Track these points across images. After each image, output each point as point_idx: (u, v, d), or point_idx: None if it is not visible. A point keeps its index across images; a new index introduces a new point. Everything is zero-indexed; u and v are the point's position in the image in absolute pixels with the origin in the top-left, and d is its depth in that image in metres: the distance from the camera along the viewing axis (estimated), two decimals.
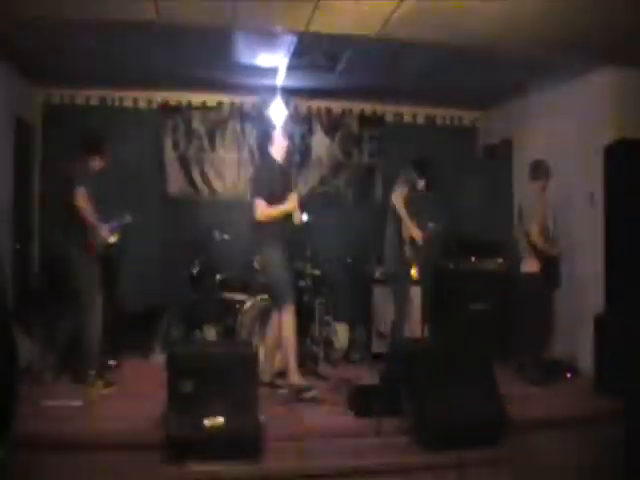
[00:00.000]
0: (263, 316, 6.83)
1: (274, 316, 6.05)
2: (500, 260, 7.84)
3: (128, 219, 6.49)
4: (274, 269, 5.94)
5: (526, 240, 6.62)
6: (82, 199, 5.84)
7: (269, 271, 6.02)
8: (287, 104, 8.53)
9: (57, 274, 6.31)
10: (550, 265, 6.56)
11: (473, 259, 7.95)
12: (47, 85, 8.35)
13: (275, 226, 5.93)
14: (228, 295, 7.30)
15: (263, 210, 5.86)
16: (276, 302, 6.00)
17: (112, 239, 6.28)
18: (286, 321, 5.83)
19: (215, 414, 4.21)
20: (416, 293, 7.58)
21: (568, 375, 6.64)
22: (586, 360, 6.46)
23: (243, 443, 4.22)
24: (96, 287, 6.08)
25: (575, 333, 6.96)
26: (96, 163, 6.17)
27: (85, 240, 5.95)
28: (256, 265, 6.84)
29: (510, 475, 4.38)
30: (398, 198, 6.68)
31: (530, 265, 6.59)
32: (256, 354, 4.69)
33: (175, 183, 8.78)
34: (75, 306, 6.06)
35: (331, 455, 4.51)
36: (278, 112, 8.36)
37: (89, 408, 5.13)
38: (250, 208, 5.96)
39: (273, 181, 5.99)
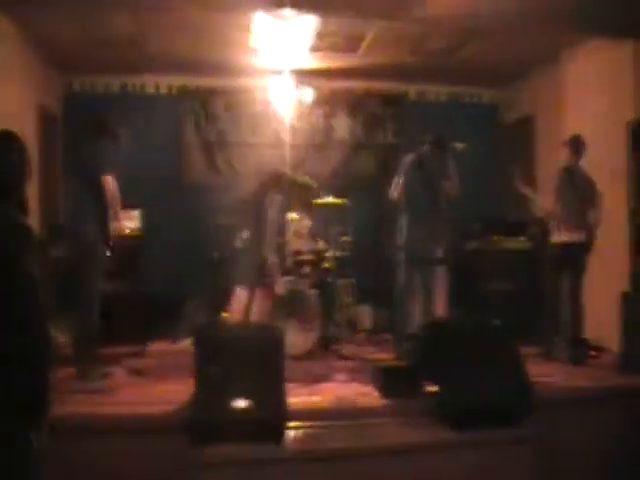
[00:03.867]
0: (288, 298, 6.87)
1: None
2: (524, 239, 7.80)
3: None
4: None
5: (579, 211, 6.46)
6: (113, 187, 5.64)
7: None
8: (309, 86, 8.54)
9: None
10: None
11: (496, 238, 7.92)
12: (68, 73, 8.43)
13: None
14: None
15: None
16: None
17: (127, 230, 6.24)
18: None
19: (242, 397, 4.24)
20: (441, 273, 7.57)
21: (593, 354, 6.61)
22: (612, 339, 6.42)
23: (269, 425, 4.25)
24: (97, 279, 5.75)
25: (601, 311, 6.90)
26: (114, 152, 5.90)
27: (104, 230, 5.69)
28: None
29: (533, 455, 4.38)
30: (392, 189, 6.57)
31: (573, 235, 6.45)
32: (282, 336, 4.70)
33: (197, 168, 8.82)
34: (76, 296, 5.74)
35: (356, 435, 4.53)
36: (299, 94, 8.38)
37: (116, 392, 5.19)
38: None
39: None
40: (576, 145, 6.56)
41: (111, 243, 5.74)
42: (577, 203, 6.45)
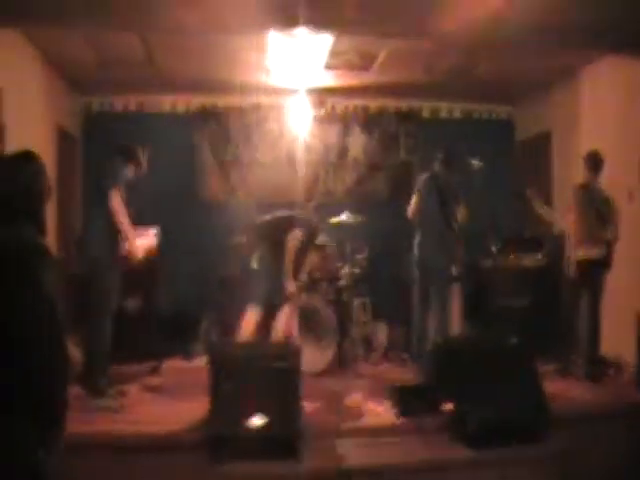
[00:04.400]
0: (304, 315, 6.87)
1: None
2: (540, 256, 7.76)
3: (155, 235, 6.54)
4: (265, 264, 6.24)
5: (596, 227, 6.44)
6: (117, 201, 5.53)
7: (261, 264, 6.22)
8: (323, 104, 8.57)
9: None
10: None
11: (512, 255, 7.89)
12: (86, 93, 8.52)
13: None
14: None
15: None
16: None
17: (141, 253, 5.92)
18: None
19: (258, 414, 4.24)
20: (455, 291, 7.57)
21: (611, 372, 6.55)
22: (629, 357, 6.36)
23: (285, 443, 4.25)
24: (108, 298, 5.69)
25: (618, 330, 6.85)
26: (130, 170, 5.95)
27: (112, 245, 5.67)
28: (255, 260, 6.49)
29: (553, 473, 4.34)
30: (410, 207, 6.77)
31: (592, 252, 6.44)
32: (299, 353, 4.70)
33: (212, 186, 8.86)
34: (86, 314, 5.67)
35: (374, 454, 4.52)
36: (314, 112, 8.42)
37: (130, 409, 5.20)
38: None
39: None
40: (594, 161, 6.55)
41: (123, 259, 5.72)
42: (594, 219, 6.43)
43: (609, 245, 6.45)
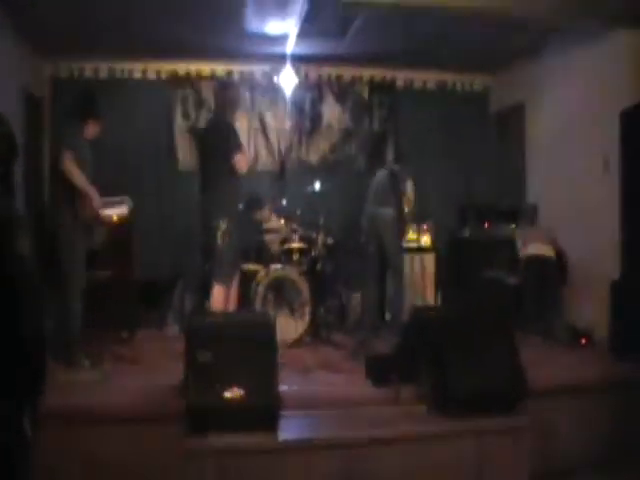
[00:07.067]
0: (277, 285, 6.84)
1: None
2: (514, 226, 7.79)
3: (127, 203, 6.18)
4: (230, 239, 5.97)
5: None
6: (69, 163, 5.37)
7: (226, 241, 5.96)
8: (297, 71, 8.47)
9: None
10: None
11: (486, 225, 7.90)
12: (55, 58, 8.31)
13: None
14: (241, 265, 7.20)
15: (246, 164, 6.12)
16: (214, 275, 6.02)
17: (108, 213, 5.81)
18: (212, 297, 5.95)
19: (234, 385, 4.20)
20: (429, 260, 7.60)
21: (583, 341, 6.61)
22: (601, 327, 6.42)
23: (262, 414, 4.21)
24: (77, 264, 5.61)
25: (590, 299, 6.92)
26: (89, 129, 5.76)
27: (72, 208, 5.50)
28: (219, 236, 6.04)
29: (528, 442, 4.37)
30: None
31: (545, 250, 6.99)
32: (274, 323, 4.66)
33: (186, 154, 8.72)
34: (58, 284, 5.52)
35: (349, 424, 4.51)
36: (288, 80, 8.32)
37: (105, 381, 5.13)
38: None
39: None
40: None
41: (87, 220, 5.60)
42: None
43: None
